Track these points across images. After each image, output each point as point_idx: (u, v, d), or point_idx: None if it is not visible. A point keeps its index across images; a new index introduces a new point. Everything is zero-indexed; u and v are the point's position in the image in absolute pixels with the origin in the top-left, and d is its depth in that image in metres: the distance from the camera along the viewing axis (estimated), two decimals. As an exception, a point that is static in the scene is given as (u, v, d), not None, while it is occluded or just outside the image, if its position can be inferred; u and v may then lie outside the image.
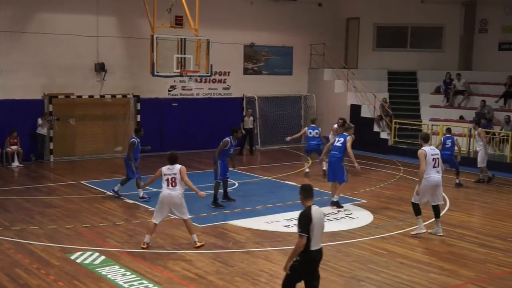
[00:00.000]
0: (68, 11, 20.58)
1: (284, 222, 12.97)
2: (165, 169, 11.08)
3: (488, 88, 24.75)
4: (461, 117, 23.65)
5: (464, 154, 21.33)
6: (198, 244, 11.02)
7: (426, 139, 12.67)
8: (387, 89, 25.94)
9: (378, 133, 24.03)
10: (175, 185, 10.94)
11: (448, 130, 17.81)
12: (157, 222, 11.06)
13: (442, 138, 17.36)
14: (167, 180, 11.00)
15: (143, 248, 10.84)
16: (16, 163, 19.30)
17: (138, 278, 9.44)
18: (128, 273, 9.64)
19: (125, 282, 9.23)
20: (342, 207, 14.36)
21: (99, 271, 9.70)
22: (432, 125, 23.02)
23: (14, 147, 19.43)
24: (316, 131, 18.35)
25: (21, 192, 15.57)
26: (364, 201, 15.28)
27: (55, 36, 20.27)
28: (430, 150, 12.13)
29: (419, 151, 12.13)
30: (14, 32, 19.72)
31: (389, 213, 14.05)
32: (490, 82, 24.96)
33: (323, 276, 9.67)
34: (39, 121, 19.98)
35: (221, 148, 14.17)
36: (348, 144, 14.18)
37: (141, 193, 14.80)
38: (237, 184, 16.89)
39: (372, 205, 14.85)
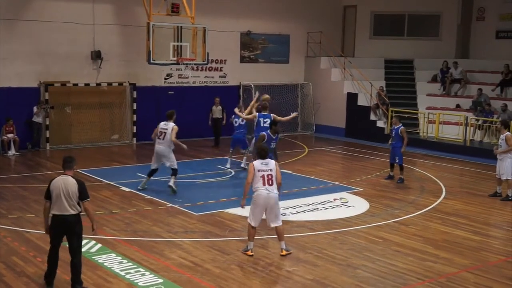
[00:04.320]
0: (64, -2, 20.50)
1: (280, 210, 12.96)
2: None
3: (485, 77, 24.74)
4: (458, 106, 23.66)
5: (460, 143, 21.44)
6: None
7: (171, 116, 14.45)
8: (384, 77, 25.94)
9: (375, 121, 24.04)
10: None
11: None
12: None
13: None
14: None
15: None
16: (12, 151, 19.26)
17: (135, 266, 9.48)
18: (125, 261, 9.67)
19: (121, 270, 9.26)
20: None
21: (96, 259, 9.73)
22: (429, 113, 23.02)
23: (10, 135, 19.38)
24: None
25: (17, 180, 15.56)
26: (360, 189, 15.32)
27: (51, 24, 20.16)
28: (162, 125, 14.43)
29: (175, 126, 14.26)
30: (10, 19, 19.60)
31: (385, 202, 14.09)
32: (487, 70, 24.94)
33: (319, 263, 9.76)
34: (35, 109, 19.93)
35: (260, 142, 13.02)
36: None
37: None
38: (233, 173, 16.92)
39: (368, 193, 14.88)
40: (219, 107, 21.78)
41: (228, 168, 17.14)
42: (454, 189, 15.67)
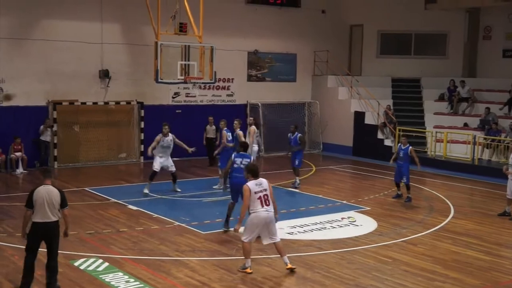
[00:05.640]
0: (73, 18, 20.62)
1: (288, 229, 12.89)
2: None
3: (492, 95, 24.70)
4: (466, 124, 23.60)
5: (468, 162, 21.32)
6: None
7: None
8: (391, 96, 25.94)
9: (382, 140, 23.99)
10: None
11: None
12: None
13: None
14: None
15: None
16: (20, 170, 19.30)
17: (142, 285, 9.42)
18: (132, 280, 9.62)
19: (128, 289, 9.23)
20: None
21: (103, 278, 9.69)
22: (437, 132, 22.96)
23: (18, 154, 19.45)
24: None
25: (23, 199, 15.51)
26: (368, 208, 15.23)
27: (59, 43, 20.31)
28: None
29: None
30: (19, 39, 19.77)
31: (393, 221, 14.00)
32: (494, 89, 24.91)
33: (327, 283, 9.68)
34: (41, 128, 20.01)
35: (230, 164, 12.83)
36: None
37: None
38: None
39: (376, 212, 14.79)
40: (213, 127, 21.45)
41: (215, 187, 17.18)
42: (463, 208, 15.54)
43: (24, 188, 17.26)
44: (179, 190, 16.48)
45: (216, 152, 17.86)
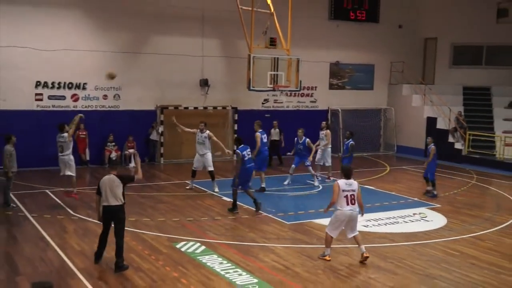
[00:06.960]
0: (178, 34, 21.26)
1: (363, 222, 12.66)
2: None
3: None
4: (534, 130, 22.41)
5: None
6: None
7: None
8: (462, 103, 24.98)
9: (453, 143, 23.17)
10: None
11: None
12: None
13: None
14: None
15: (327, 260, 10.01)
16: (132, 164, 20.08)
17: (233, 266, 9.60)
18: (225, 261, 9.82)
19: (222, 270, 9.41)
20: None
21: (200, 259, 9.94)
22: (506, 137, 21.92)
23: (131, 150, 20.29)
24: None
25: (136, 189, 16.15)
26: (439, 205, 14.78)
27: (167, 56, 21.00)
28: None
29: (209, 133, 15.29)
30: (133, 53, 20.61)
31: (461, 218, 13.52)
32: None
33: (399, 272, 9.50)
34: (150, 129, 20.84)
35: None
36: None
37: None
38: (321, 187, 16.81)
39: (446, 209, 14.33)
40: (277, 130, 21.25)
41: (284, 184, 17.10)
42: (530, 208, 14.78)
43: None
44: (217, 190, 15.76)
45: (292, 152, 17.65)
